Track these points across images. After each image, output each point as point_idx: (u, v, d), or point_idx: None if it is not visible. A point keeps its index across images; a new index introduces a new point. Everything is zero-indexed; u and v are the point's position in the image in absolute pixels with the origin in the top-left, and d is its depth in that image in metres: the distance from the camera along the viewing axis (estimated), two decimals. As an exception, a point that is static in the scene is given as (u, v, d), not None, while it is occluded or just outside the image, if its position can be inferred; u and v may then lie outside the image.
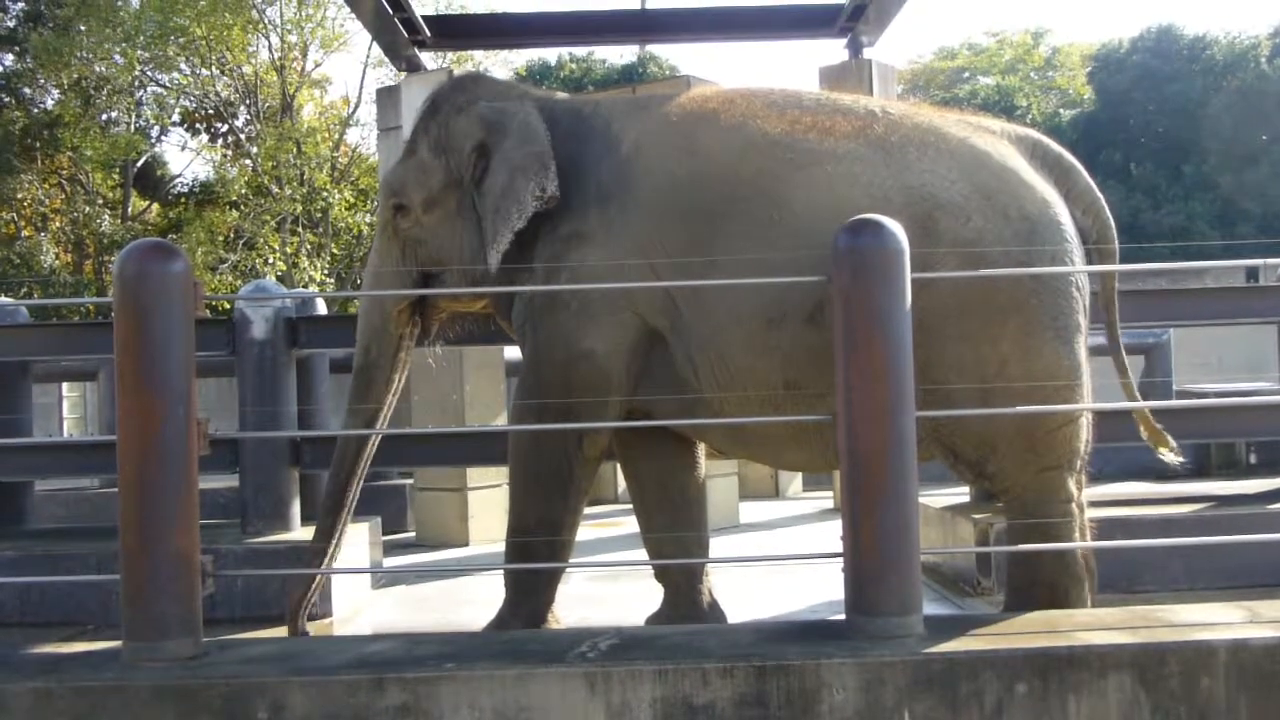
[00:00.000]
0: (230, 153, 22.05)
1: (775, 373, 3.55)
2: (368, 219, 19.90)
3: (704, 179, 3.68)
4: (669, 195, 3.70)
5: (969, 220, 3.45)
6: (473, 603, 4.16)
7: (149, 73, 20.89)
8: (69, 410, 11.81)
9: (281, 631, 4.00)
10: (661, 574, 4.06)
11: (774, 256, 3.43)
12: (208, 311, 3.46)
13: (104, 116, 20.60)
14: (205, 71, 20.40)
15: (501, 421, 6.85)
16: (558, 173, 3.79)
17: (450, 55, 17.84)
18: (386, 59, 10.73)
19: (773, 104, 3.77)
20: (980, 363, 3.42)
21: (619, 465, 4.15)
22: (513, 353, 6.45)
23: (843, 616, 2.96)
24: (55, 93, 20.74)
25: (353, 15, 9.26)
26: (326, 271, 19.90)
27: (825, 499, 8.30)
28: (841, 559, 2.95)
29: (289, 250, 19.57)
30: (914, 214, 3.41)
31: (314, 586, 4.09)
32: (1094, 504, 4.10)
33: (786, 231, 3.49)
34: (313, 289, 18.44)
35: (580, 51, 26.00)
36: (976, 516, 4.80)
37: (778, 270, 3.36)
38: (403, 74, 7.74)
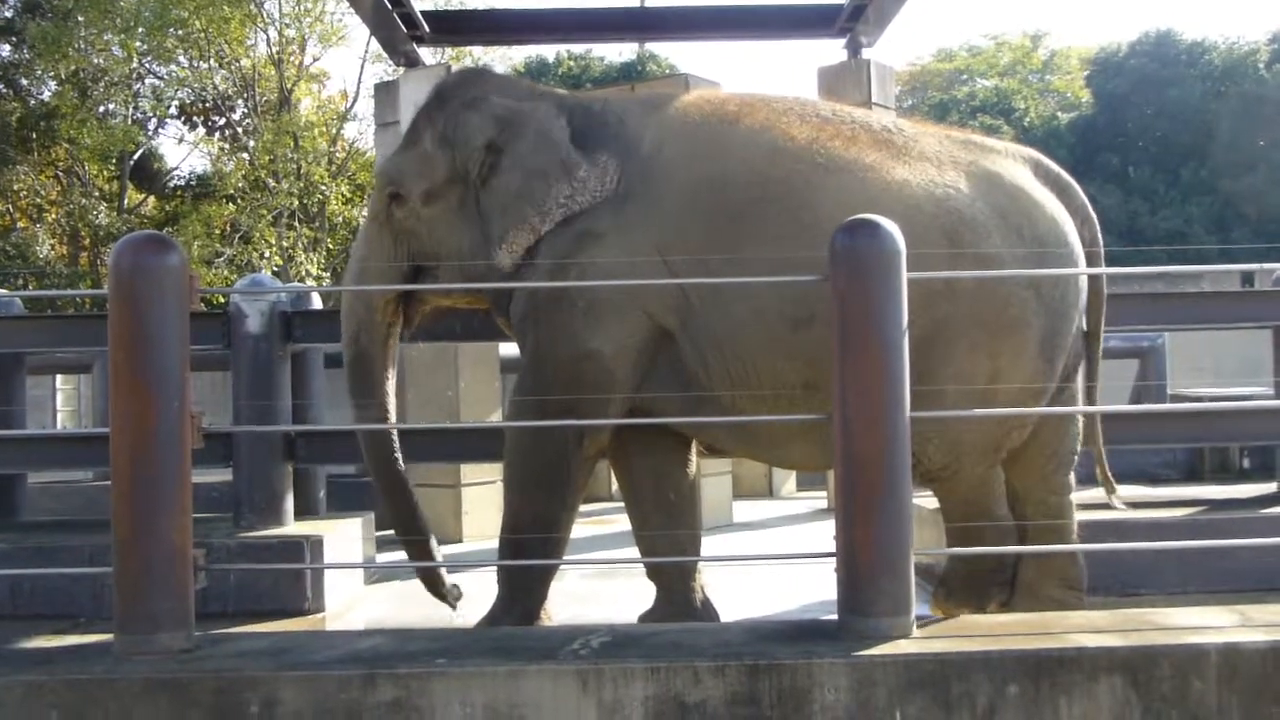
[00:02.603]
0: (227, 146, 21.97)
1: (797, 373, 3.59)
2: (364, 214, 19.80)
3: (733, 180, 3.69)
4: (695, 195, 3.71)
5: (989, 238, 3.59)
6: (466, 599, 4.16)
7: (147, 65, 20.84)
8: (63, 403, 11.78)
9: (274, 626, 4.00)
10: (654, 572, 4.05)
11: (806, 258, 3.44)
12: (203, 305, 3.45)
13: (101, 109, 20.54)
14: (203, 64, 20.32)
15: (496, 418, 6.84)
16: None
17: (448, 51, 17.84)
18: (384, 54, 10.73)
19: (791, 110, 3.83)
20: (976, 375, 3.55)
21: (611, 462, 4.14)
22: (508, 350, 6.44)
23: (835, 616, 2.97)
24: (52, 84, 20.69)
25: (351, 10, 9.26)
26: (323, 266, 19.85)
27: (819, 499, 8.30)
28: (835, 559, 2.95)
29: (285, 244, 19.53)
30: (943, 225, 3.55)
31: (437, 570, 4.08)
32: (1087, 507, 4.12)
33: (821, 234, 3.50)
34: (309, 283, 18.42)
35: (579, 49, 25.97)
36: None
37: (804, 272, 3.37)
38: (401, 69, 7.73)
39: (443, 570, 4.11)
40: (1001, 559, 3.80)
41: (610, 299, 3.67)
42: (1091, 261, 3.82)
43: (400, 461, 4.05)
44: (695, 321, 3.66)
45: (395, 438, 4.06)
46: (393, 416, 4.12)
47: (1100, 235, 3.93)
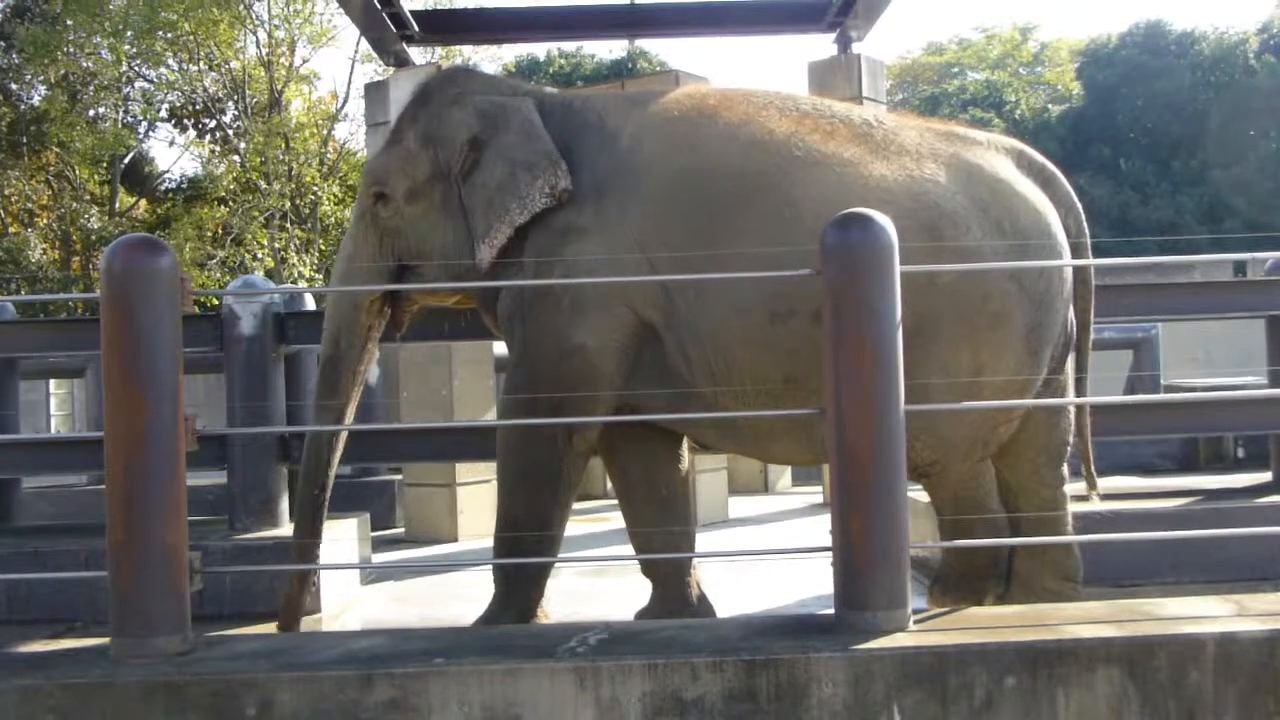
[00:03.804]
0: (218, 148, 21.94)
1: (777, 368, 3.58)
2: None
3: (710, 174, 3.69)
4: (672, 190, 3.70)
5: (969, 231, 3.57)
6: (462, 598, 4.16)
7: (136, 68, 20.79)
8: (56, 407, 11.78)
9: (270, 628, 3.99)
10: (649, 569, 4.05)
11: (783, 252, 3.43)
12: (195, 307, 3.44)
13: (91, 112, 20.49)
14: (193, 67, 20.28)
15: (490, 417, 6.84)
16: None
17: (438, 50, 17.80)
18: (374, 54, 10.71)
19: (771, 104, 3.82)
20: (959, 370, 3.55)
21: (603, 460, 4.14)
22: (501, 348, 6.44)
23: (832, 611, 2.97)
24: (42, 88, 20.63)
25: (341, 10, 9.24)
26: (315, 267, 19.83)
27: (814, 494, 8.31)
28: (831, 553, 2.95)
29: (277, 246, 19.51)
30: (921, 219, 3.53)
31: (307, 585, 4.07)
32: (1081, 498, 4.12)
33: (799, 228, 3.50)
34: (301, 285, 18.39)
35: (569, 47, 25.98)
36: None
37: (785, 267, 3.37)
38: (391, 69, 7.72)
39: (306, 598, 4.08)
40: (996, 553, 3.79)
41: (594, 294, 3.67)
42: (1078, 253, 3.80)
43: (329, 477, 4.04)
44: (677, 317, 3.66)
45: (338, 451, 4.06)
46: (349, 419, 4.10)
47: (1086, 225, 3.90)
